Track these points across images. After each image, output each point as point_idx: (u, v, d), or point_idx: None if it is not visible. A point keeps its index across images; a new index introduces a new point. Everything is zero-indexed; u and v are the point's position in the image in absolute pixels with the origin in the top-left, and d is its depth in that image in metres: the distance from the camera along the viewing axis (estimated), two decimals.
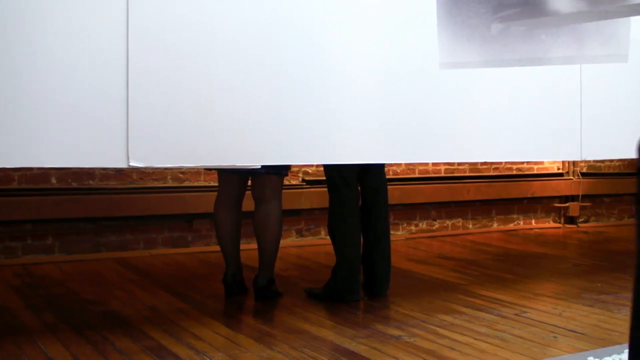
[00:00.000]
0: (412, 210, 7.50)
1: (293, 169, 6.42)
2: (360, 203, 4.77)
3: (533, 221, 8.36)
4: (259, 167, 3.96)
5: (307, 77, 3.84)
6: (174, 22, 3.51)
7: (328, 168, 4.73)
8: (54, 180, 5.97)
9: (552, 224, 8.43)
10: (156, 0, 3.47)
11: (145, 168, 5.85)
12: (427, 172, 7.59)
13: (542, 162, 8.29)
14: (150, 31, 3.46)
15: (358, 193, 4.73)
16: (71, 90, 3.31)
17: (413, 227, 7.55)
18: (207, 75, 3.61)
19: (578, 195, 8.40)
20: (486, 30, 2.67)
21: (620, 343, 3.69)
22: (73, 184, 6.03)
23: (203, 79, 3.61)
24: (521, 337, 3.82)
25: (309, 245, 6.71)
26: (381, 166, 4.87)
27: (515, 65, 2.87)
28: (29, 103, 3.24)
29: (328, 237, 4.84)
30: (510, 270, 5.72)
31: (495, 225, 8.09)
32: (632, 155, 3.89)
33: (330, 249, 4.79)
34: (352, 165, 4.54)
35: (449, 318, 4.20)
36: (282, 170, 4.60)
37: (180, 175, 6.41)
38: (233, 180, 4.67)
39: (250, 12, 3.68)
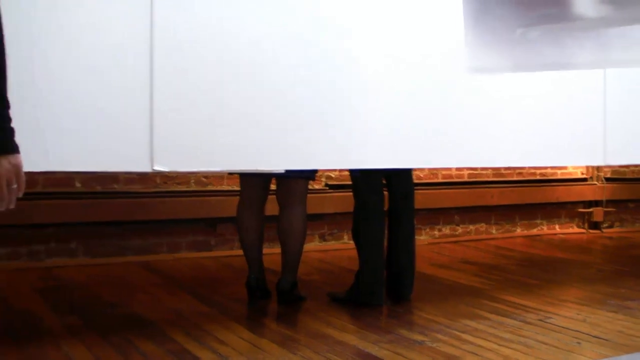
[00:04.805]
0: (436, 215, 7.48)
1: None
2: (387, 207, 4.76)
3: (557, 226, 8.32)
4: (283, 171, 3.96)
5: (331, 83, 3.84)
6: (197, 27, 3.53)
7: (353, 172, 4.73)
8: (78, 184, 5.99)
9: (576, 229, 8.38)
10: (180, 4, 3.48)
11: (169, 172, 5.86)
12: (450, 176, 7.57)
13: (565, 167, 8.25)
14: (174, 36, 3.48)
15: (383, 197, 4.72)
16: (95, 95, 3.33)
17: (436, 232, 7.53)
18: (231, 80, 3.62)
19: (602, 201, 8.36)
20: (512, 35, 2.67)
21: None
22: (97, 187, 6.05)
23: (227, 84, 3.62)
24: (545, 343, 3.81)
25: (332, 250, 6.70)
26: (409, 170, 4.86)
27: (540, 70, 2.87)
28: (53, 108, 3.26)
29: (351, 242, 4.84)
30: (534, 275, 5.69)
31: (518, 230, 8.05)
32: None
33: (353, 253, 4.79)
34: (378, 170, 4.53)
35: (472, 323, 4.19)
36: (308, 174, 4.59)
37: (204, 179, 6.42)
38: (256, 183, 4.67)
39: (272, 16, 3.69)
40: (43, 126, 3.23)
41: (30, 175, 5.72)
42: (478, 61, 2.85)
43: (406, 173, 4.82)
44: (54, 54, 3.25)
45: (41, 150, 3.24)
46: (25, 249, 5.81)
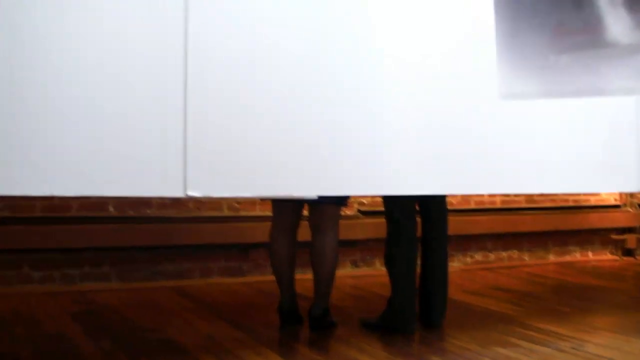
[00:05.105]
0: (468, 242, 7.45)
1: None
2: (419, 233, 4.76)
3: (590, 253, 8.27)
4: (315, 197, 3.97)
5: (363, 108, 3.85)
6: (232, 49, 3.54)
7: (386, 198, 4.73)
8: (111, 209, 6.03)
9: (609, 256, 8.33)
10: (215, 23, 3.50)
11: (202, 198, 5.89)
12: (482, 203, 7.56)
13: (599, 194, 8.20)
14: (209, 58, 3.49)
15: (416, 223, 4.72)
16: (128, 120, 3.35)
17: (468, 259, 7.51)
18: (264, 104, 3.63)
19: (635, 227, 8.30)
20: (544, 62, 2.67)
21: None
22: (130, 212, 6.08)
23: (260, 109, 3.63)
24: None
25: (365, 276, 6.70)
26: (442, 197, 4.86)
27: (573, 97, 2.85)
28: (86, 133, 3.28)
29: (383, 268, 4.83)
30: (567, 302, 5.66)
31: (551, 257, 8.01)
32: None
33: (385, 279, 4.78)
34: (410, 196, 4.53)
35: (504, 351, 4.16)
36: (341, 200, 4.60)
37: (236, 204, 6.44)
38: (288, 208, 4.68)
39: (306, 42, 3.70)
40: (75, 150, 3.25)
41: (65, 199, 5.77)
42: (510, 87, 2.84)
43: (439, 199, 4.82)
44: (85, 77, 3.28)
45: (73, 174, 3.27)
46: (59, 273, 5.86)
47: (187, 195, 3.47)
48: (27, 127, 3.14)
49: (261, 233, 5.13)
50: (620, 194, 8.31)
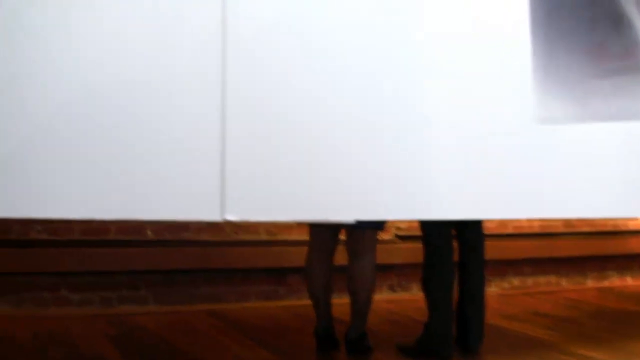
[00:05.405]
0: (505, 266, 7.41)
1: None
2: (456, 257, 4.75)
3: (629, 278, 8.19)
4: (353, 221, 3.97)
5: (401, 132, 3.84)
6: (272, 70, 3.55)
7: (423, 222, 4.72)
8: (149, 232, 6.06)
9: None
10: (254, 47, 3.51)
11: (239, 221, 5.90)
12: (520, 227, 7.52)
13: (637, 218, 8.13)
14: (247, 81, 3.49)
15: (453, 248, 4.70)
16: (165, 144, 3.36)
17: (506, 284, 7.47)
18: (302, 127, 3.64)
19: None
20: (583, 86, 2.66)
21: None
22: (167, 235, 6.11)
23: (298, 132, 3.63)
24: None
25: (401, 301, 6.68)
26: (479, 221, 4.84)
27: (611, 121, 2.84)
28: (124, 156, 3.30)
29: (420, 293, 4.82)
30: (606, 328, 5.61)
31: (589, 282, 7.95)
32: None
33: (422, 304, 4.76)
34: (448, 220, 4.52)
35: None
36: (378, 224, 4.60)
37: (273, 228, 6.45)
38: (325, 232, 4.68)
39: (345, 67, 3.70)
40: (113, 174, 3.27)
41: (103, 223, 5.81)
42: (548, 111, 2.84)
43: (476, 224, 4.81)
44: (125, 93, 3.29)
45: (111, 198, 3.29)
46: (97, 296, 5.89)
47: (224, 219, 3.48)
48: (65, 150, 3.17)
49: (298, 257, 5.13)
50: None
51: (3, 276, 5.62)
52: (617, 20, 2.55)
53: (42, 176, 3.15)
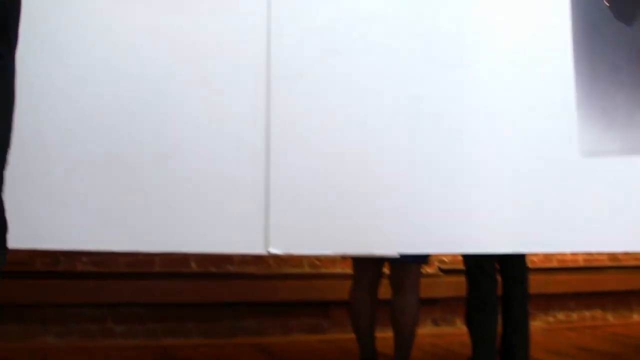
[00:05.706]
0: (550, 301, 7.36)
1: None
2: (500, 291, 4.73)
3: None
4: (396, 255, 3.97)
5: (445, 166, 3.85)
6: (318, 104, 3.57)
7: (467, 256, 4.72)
8: (193, 265, 6.10)
9: None
10: (297, 83, 3.54)
11: (283, 255, 5.92)
12: (565, 261, 7.46)
13: None
14: (292, 113, 3.52)
15: (497, 282, 4.69)
16: (211, 179, 3.40)
17: (551, 318, 7.41)
18: (346, 163, 3.65)
19: None
20: (627, 118, 2.66)
21: None
22: (212, 268, 6.14)
23: (342, 167, 3.65)
24: None
25: (445, 335, 6.65)
26: (523, 255, 4.82)
27: None
28: (169, 190, 3.33)
29: (464, 327, 4.80)
30: None
31: (635, 317, 7.86)
32: None
33: (466, 338, 4.74)
34: (491, 254, 4.51)
35: None
36: (422, 258, 4.60)
37: (317, 262, 6.46)
38: (368, 266, 4.68)
39: (388, 104, 3.72)
40: (159, 207, 3.31)
41: (148, 255, 5.85)
42: (592, 145, 2.84)
43: (520, 258, 4.79)
44: (171, 125, 3.33)
45: (157, 231, 3.32)
46: (142, 328, 5.92)
47: (268, 252, 3.49)
48: (111, 183, 3.21)
49: (342, 290, 5.13)
50: None
51: (50, 307, 5.68)
52: None
53: (89, 209, 3.19)
